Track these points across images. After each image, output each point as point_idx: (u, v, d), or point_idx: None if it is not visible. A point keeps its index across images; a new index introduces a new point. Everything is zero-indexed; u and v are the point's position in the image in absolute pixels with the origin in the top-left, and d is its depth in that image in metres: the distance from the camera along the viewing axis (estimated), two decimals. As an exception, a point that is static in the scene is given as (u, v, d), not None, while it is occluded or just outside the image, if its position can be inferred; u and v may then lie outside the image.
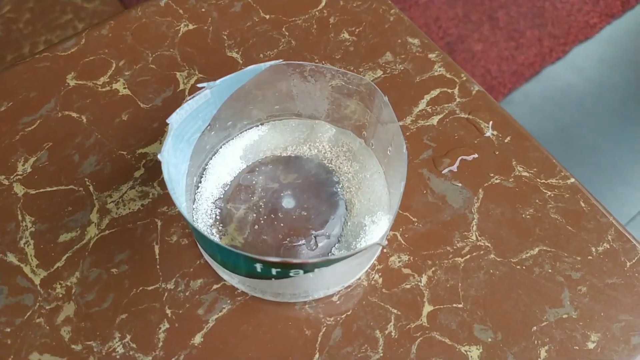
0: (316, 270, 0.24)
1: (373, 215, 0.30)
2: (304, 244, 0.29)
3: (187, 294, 0.29)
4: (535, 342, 0.28)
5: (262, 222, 0.29)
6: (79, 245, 0.30)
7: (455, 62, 1.29)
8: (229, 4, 0.38)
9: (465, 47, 1.31)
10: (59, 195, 0.31)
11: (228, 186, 0.31)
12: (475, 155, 0.33)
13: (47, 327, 0.28)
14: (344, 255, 0.23)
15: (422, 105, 0.35)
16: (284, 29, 0.38)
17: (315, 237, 0.29)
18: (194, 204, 0.30)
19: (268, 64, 0.28)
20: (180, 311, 0.28)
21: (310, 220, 0.30)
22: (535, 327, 0.28)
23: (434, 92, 0.35)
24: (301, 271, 0.24)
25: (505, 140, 0.34)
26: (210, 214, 0.30)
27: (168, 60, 0.36)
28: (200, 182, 0.31)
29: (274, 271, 0.24)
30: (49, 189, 0.31)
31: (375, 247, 0.27)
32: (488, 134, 0.34)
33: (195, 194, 0.30)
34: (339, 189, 0.31)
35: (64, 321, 0.28)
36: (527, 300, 0.29)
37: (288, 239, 0.29)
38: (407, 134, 0.34)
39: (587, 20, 1.36)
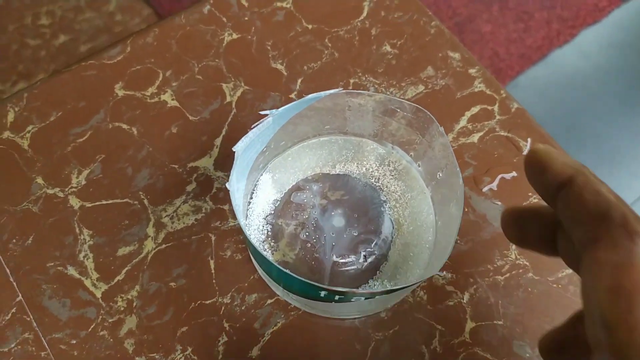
0: (377, 297, 0.26)
1: (419, 237, 0.31)
2: (353, 261, 0.30)
3: (243, 308, 0.30)
4: (570, 358, 0.30)
5: (312, 238, 0.31)
6: (137, 259, 0.31)
7: (464, 43, 1.28)
8: (271, 13, 0.39)
9: (474, 28, 1.30)
10: (115, 209, 0.32)
11: (278, 202, 0.32)
12: (515, 174, 0.34)
13: (111, 340, 0.29)
14: (406, 285, 0.25)
15: (463, 122, 0.36)
16: (326, 40, 0.38)
17: (364, 255, 0.30)
18: (246, 219, 0.31)
19: (328, 92, 0.29)
20: (238, 325, 0.30)
21: (359, 237, 0.31)
22: (570, 344, 0.30)
23: (475, 109, 0.36)
24: (362, 297, 0.26)
25: (543, 160, 0.35)
26: (262, 230, 0.31)
27: (214, 70, 0.36)
28: (252, 198, 0.32)
29: (336, 297, 0.25)
30: (104, 202, 0.32)
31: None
32: (526, 152, 0.35)
33: (248, 209, 0.32)
34: (386, 208, 0.32)
35: (126, 334, 0.29)
36: (562, 317, 0.31)
37: (339, 256, 0.30)
38: (449, 151, 0.35)
39: (596, 3, 1.36)
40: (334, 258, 0.30)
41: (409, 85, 0.37)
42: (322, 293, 0.25)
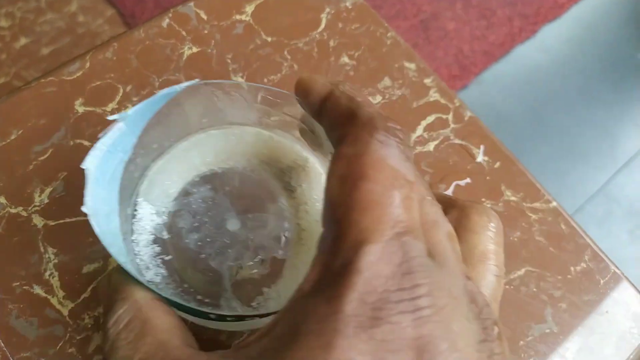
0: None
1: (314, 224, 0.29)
2: (253, 265, 0.28)
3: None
4: (522, 355, 0.32)
5: (208, 248, 0.28)
6: (102, 276, 0.31)
7: (429, 41, 1.29)
8: (231, 25, 0.39)
9: (438, 25, 1.33)
10: (79, 226, 0.32)
11: (166, 212, 0.29)
12: (469, 181, 0.36)
13: (80, 357, 0.30)
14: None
15: (419, 131, 0.37)
16: (285, 52, 0.39)
17: (262, 259, 0.28)
18: (132, 235, 0.29)
19: (183, 85, 0.27)
20: (204, 337, 0.30)
21: (257, 240, 0.29)
22: (522, 342, 0.32)
23: (430, 118, 0.38)
24: (257, 318, 0.24)
25: (495, 166, 0.37)
26: (150, 246, 0.29)
27: (174, 84, 0.37)
28: (136, 210, 0.29)
29: (228, 318, 0.25)
30: (68, 220, 0.33)
31: None
32: (479, 159, 0.37)
33: (132, 224, 0.29)
34: (284, 203, 0.30)
35: (94, 350, 0.30)
36: (515, 318, 0.33)
37: (237, 263, 0.28)
38: (406, 160, 0.36)
39: (556, 0, 1.39)
40: (231, 265, 0.28)
41: (367, 96, 0.38)
42: (212, 316, 0.24)
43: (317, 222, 0.29)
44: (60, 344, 0.30)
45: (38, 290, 0.31)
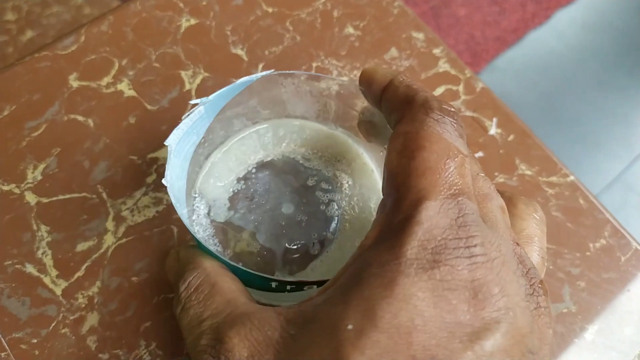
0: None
1: (369, 214, 0.31)
2: (306, 247, 0.30)
3: (207, 299, 0.29)
4: (538, 335, 0.30)
5: (264, 229, 0.30)
6: (97, 254, 0.30)
7: (440, 28, 1.28)
8: (230, -3, 0.38)
9: (449, 12, 1.30)
10: (73, 203, 0.31)
11: (225, 194, 0.31)
12: (481, 154, 0.34)
13: (73, 337, 0.28)
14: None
15: (428, 103, 0.35)
16: (287, 24, 0.37)
17: (315, 241, 0.30)
18: (193, 215, 0.30)
19: (260, 75, 0.28)
20: (203, 317, 0.29)
21: (309, 223, 0.30)
22: (538, 322, 0.30)
23: (440, 90, 0.36)
24: (315, 286, 0.25)
25: (509, 139, 0.35)
26: (209, 225, 0.30)
27: (172, 58, 0.36)
28: (197, 192, 0.31)
29: (288, 287, 0.25)
30: (61, 197, 0.31)
31: None
32: (492, 132, 0.35)
33: (194, 204, 0.31)
34: (334, 190, 0.31)
35: (89, 331, 0.29)
36: (530, 296, 0.31)
37: (290, 243, 0.30)
38: (414, 133, 0.34)
39: (569, -16, 1.36)
40: (286, 245, 0.29)
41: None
42: (273, 284, 0.25)
43: (361, 217, 0.31)
44: (53, 324, 0.29)
45: (30, 269, 0.30)
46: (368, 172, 0.32)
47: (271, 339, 0.20)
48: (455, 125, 0.21)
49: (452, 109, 0.21)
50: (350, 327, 0.17)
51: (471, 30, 1.29)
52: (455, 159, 0.19)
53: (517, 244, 0.20)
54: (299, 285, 0.25)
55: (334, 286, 0.19)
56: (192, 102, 0.27)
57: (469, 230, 0.18)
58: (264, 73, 0.28)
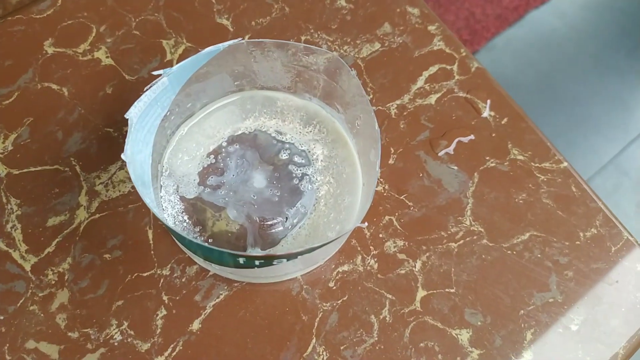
0: (299, 256, 0.24)
1: (343, 188, 0.30)
2: (278, 222, 0.29)
3: (183, 280, 0.29)
4: (522, 325, 0.29)
5: (234, 205, 0.29)
6: (68, 230, 0.29)
7: (439, 4, 1.24)
8: (216, -37, 0.36)
9: (449, -13, 1.27)
10: (45, 176, 0.30)
11: (195, 169, 0.30)
12: (472, 137, 0.33)
13: (42, 315, 0.27)
14: (325, 243, 0.23)
15: (420, 82, 0.34)
16: (276, -7, 0.35)
17: (287, 216, 0.29)
18: (160, 191, 0.29)
19: (227, 43, 0.26)
20: (177, 297, 0.28)
21: (282, 197, 0.29)
22: (522, 311, 0.29)
23: (433, 69, 0.34)
24: (284, 259, 0.24)
25: (502, 122, 0.33)
26: (178, 202, 0.29)
27: (153, 25, 0.34)
28: (164, 168, 0.30)
29: (257, 262, 0.24)
30: (33, 169, 0.30)
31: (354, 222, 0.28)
32: (485, 114, 0.34)
33: (160, 181, 0.29)
34: (309, 164, 0.30)
35: (58, 308, 0.28)
36: (516, 285, 0.30)
37: (262, 219, 0.29)
38: (405, 113, 0.33)
39: (574, -38, 1.33)
40: (257, 221, 0.28)
41: (364, 43, 0.35)
42: (241, 260, 0.24)
43: (335, 192, 0.30)
44: (21, 301, 0.28)
45: (-1, 243, 0.29)
46: (343, 142, 0.31)
47: None
48: None
49: None
50: None
51: (471, 7, 1.26)
52: None
53: None
54: (268, 260, 0.24)
55: None
56: (155, 72, 0.26)
57: None
58: (230, 42, 0.27)
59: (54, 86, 0.32)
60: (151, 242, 0.29)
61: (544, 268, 0.30)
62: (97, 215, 0.29)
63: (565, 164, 0.33)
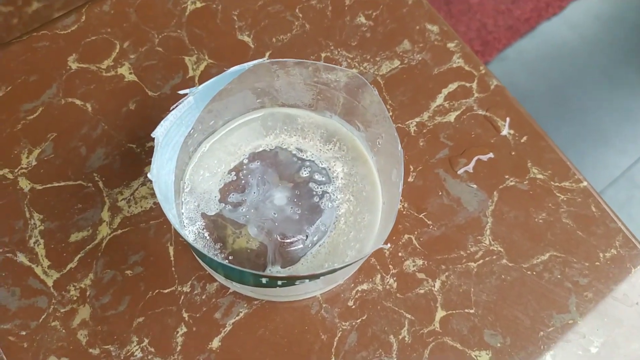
0: (322, 277, 0.24)
1: (363, 207, 0.30)
2: (299, 240, 0.29)
3: (203, 297, 0.29)
4: (542, 347, 0.29)
5: (255, 222, 0.29)
6: (91, 245, 0.29)
7: (451, 14, 1.24)
8: (238, -20, 0.36)
9: (461, -2, 1.27)
10: (68, 191, 0.30)
11: (216, 186, 0.30)
12: (491, 155, 0.33)
13: (63, 331, 0.28)
14: (348, 263, 0.24)
15: (439, 100, 0.34)
16: (297, 10, 0.36)
17: (308, 234, 0.29)
18: (182, 208, 0.29)
19: (252, 63, 0.27)
20: (198, 315, 0.28)
21: (302, 215, 0.29)
22: (542, 333, 0.29)
23: (452, 86, 0.34)
24: (307, 280, 0.24)
25: (522, 140, 0.33)
26: (200, 218, 0.29)
27: (175, 42, 0.34)
28: (186, 184, 0.30)
29: (279, 282, 0.24)
30: (56, 184, 0.30)
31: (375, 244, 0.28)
32: (505, 132, 0.34)
33: (182, 197, 0.30)
34: (330, 182, 0.30)
35: (80, 324, 0.28)
36: (536, 306, 0.30)
37: (283, 237, 0.29)
38: (424, 130, 0.33)
39: (586, -26, 1.33)
40: (278, 239, 0.29)
41: (383, 60, 0.35)
42: (264, 280, 0.24)
43: (355, 211, 0.30)
44: (43, 317, 0.28)
45: (22, 258, 0.29)
46: (363, 160, 0.31)
47: None
48: None
49: None
50: None
51: (483, 18, 1.26)
52: None
53: None
54: (290, 281, 0.24)
55: None
56: (181, 92, 0.26)
57: None
58: (255, 62, 0.27)
59: (78, 102, 0.32)
60: (172, 258, 0.29)
61: (563, 289, 0.30)
62: (120, 231, 0.30)
63: (585, 183, 0.33)
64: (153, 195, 0.31)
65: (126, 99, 0.32)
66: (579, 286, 0.30)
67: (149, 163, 0.31)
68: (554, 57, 1.26)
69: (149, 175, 0.23)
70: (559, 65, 1.26)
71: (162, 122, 0.25)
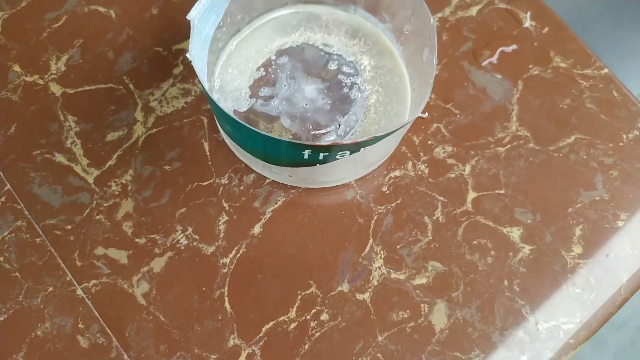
0: (362, 149, 0.25)
1: (392, 97, 0.30)
2: (332, 130, 0.29)
3: (241, 188, 0.29)
4: (571, 222, 0.30)
5: (288, 114, 0.30)
6: (128, 144, 0.30)
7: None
8: None
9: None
10: (100, 94, 0.31)
11: (246, 83, 0.30)
12: (515, 47, 0.33)
13: (108, 223, 0.28)
14: (390, 131, 0.24)
15: (459, -5, 0.34)
16: None
17: (339, 124, 0.30)
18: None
19: None
20: (237, 204, 0.29)
21: (334, 106, 0.30)
22: (570, 209, 0.30)
23: (472, -18, 0.35)
24: (348, 152, 0.25)
25: (544, 31, 0.34)
26: (233, 115, 0.30)
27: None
28: (216, 82, 0.30)
29: (321, 156, 0.25)
30: (87, 88, 0.31)
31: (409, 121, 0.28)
32: (527, 24, 0.34)
33: (213, 91, 0.30)
34: (357, 73, 0.31)
35: (124, 217, 0.28)
36: (563, 185, 0.31)
37: (316, 127, 0.29)
38: (447, 25, 0.33)
39: None
40: (310, 128, 0.29)
41: (402, -41, 0.35)
42: (306, 153, 0.24)
43: (384, 101, 0.30)
44: (87, 211, 0.29)
45: (60, 158, 0.29)
46: (389, 54, 0.31)
47: None
48: None
49: None
50: None
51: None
52: None
53: None
54: (332, 153, 0.24)
55: None
56: None
57: None
58: None
59: (101, 8, 0.32)
60: (208, 153, 0.30)
61: (589, 169, 0.31)
62: (154, 130, 0.30)
63: (606, 70, 0.33)
64: (184, 95, 0.31)
65: (148, 4, 0.32)
66: (604, 165, 0.31)
67: (177, 65, 0.31)
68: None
69: (187, 55, 0.24)
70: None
71: (195, 4, 0.25)
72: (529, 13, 0.34)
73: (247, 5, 0.30)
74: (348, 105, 0.30)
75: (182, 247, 0.28)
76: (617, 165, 0.31)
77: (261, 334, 0.27)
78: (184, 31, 0.32)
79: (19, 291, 0.28)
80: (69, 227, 0.28)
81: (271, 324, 0.27)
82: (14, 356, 0.27)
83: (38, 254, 0.28)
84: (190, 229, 0.28)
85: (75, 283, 0.28)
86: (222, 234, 0.28)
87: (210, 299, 0.28)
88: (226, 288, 0.28)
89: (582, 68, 0.33)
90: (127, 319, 0.27)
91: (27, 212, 0.28)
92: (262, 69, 0.30)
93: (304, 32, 0.32)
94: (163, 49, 0.32)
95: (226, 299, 0.28)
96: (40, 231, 0.28)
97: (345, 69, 0.31)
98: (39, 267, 0.28)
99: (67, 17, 0.32)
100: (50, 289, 0.28)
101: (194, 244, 0.28)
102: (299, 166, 0.27)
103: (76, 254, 0.28)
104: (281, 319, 0.27)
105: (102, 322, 0.27)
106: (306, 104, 0.30)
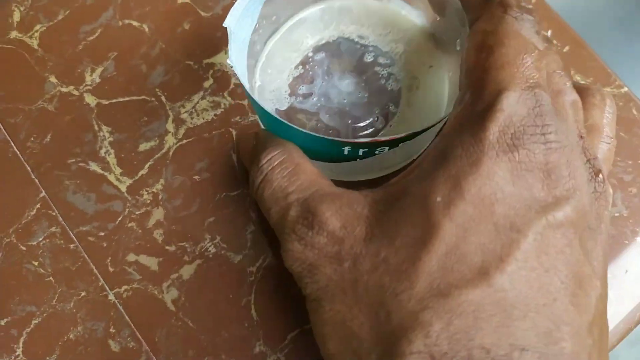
0: (400, 144, 0.26)
1: (429, 87, 0.31)
2: (370, 123, 0.30)
3: (268, 198, 0.30)
4: (590, 238, 0.31)
5: (326, 109, 0.30)
6: (159, 154, 0.31)
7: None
8: None
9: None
10: (133, 106, 0.32)
11: (285, 82, 0.31)
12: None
13: (140, 231, 0.29)
14: (430, 125, 0.25)
15: (481, 14, 0.35)
16: None
17: (378, 115, 0.30)
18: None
19: None
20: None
21: (371, 98, 0.30)
22: (590, 225, 0.31)
23: (493, 1, 0.35)
24: (387, 148, 0.26)
25: (564, 50, 0.34)
26: (275, 113, 0.30)
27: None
28: (256, 84, 0.31)
29: (360, 152, 0.25)
30: (121, 99, 0.32)
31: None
32: (546, 43, 0.35)
33: (253, 96, 0.30)
34: (393, 63, 0.31)
35: (155, 225, 0.29)
36: (583, 201, 0.31)
37: (355, 122, 0.30)
38: (468, 43, 0.34)
39: None
40: (349, 122, 0.30)
41: (426, -22, 0.36)
42: (346, 150, 0.25)
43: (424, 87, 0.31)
44: (119, 219, 0.29)
45: (94, 167, 0.30)
46: (424, 40, 0.32)
47: (361, 214, 0.22)
48: (532, 22, 0.22)
49: (530, 6, 0.22)
50: (439, 199, 0.19)
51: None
52: (532, 54, 0.21)
53: (582, 136, 0.22)
54: (371, 149, 0.25)
55: (418, 168, 0.21)
56: None
57: (544, 119, 0.20)
58: None
59: (135, 23, 0.33)
60: (236, 164, 0.31)
61: (609, 185, 0.32)
62: (185, 141, 0.31)
63: (626, 88, 0.34)
64: (213, 107, 0.32)
65: (180, 20, 0.34)
66: (624, 182, 0.32)
67: (207, 79, 0.32)
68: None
69: (228, 61, 0.25)
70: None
71: (230, 11, 0.26)
72: (550, 32, 0.35)
73: (280, 5, 0.31)
74: (386, 96, 0.31)
75: (211, 255, 0.29)
76: (636, 183, 0.32)
77: (286, 342, 0.28)
78: (214, 45, 0.33)
79: (53, 295, 0.28)
80: (102, 233, 0.29)
81: (296, 331, 0.28)
82: (47, 358, 0.28)
83: (72, 259, 0.29)
84: (218, 238, 0.29)
85: (107, 288, 0.28)
86: (249, 243, 0.29)
87: (237, 306, 0.28)
88: (252, 296, 0.29)
89: (602, 86, 0.34)
90: (156, 324, 0.28)
91: (61, 219, 0.29)
92: (300, 67, 0.31)
93: (338, 26, 0.32)
94: (194, 62, 0.33)
95: (252, 306, 0.28)
96: (74, 237, 0.29)
97: (381, 59, 0.31)
98: (73, 272, 0.29)
99: (101, 30, 0.33)
100: (83, 293, 0.28)
101: (222, 252, 0.29)
102: (339, 161, 0.27)
103: (108, 260, 0.29)
104: (306, 327, 0.28)
105: (132, 326, 0.28)
106: (344, 99, 0.30)
